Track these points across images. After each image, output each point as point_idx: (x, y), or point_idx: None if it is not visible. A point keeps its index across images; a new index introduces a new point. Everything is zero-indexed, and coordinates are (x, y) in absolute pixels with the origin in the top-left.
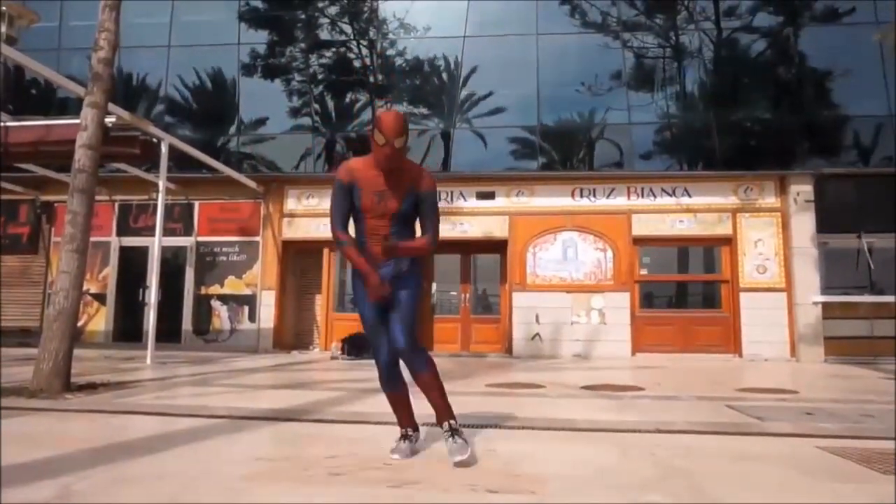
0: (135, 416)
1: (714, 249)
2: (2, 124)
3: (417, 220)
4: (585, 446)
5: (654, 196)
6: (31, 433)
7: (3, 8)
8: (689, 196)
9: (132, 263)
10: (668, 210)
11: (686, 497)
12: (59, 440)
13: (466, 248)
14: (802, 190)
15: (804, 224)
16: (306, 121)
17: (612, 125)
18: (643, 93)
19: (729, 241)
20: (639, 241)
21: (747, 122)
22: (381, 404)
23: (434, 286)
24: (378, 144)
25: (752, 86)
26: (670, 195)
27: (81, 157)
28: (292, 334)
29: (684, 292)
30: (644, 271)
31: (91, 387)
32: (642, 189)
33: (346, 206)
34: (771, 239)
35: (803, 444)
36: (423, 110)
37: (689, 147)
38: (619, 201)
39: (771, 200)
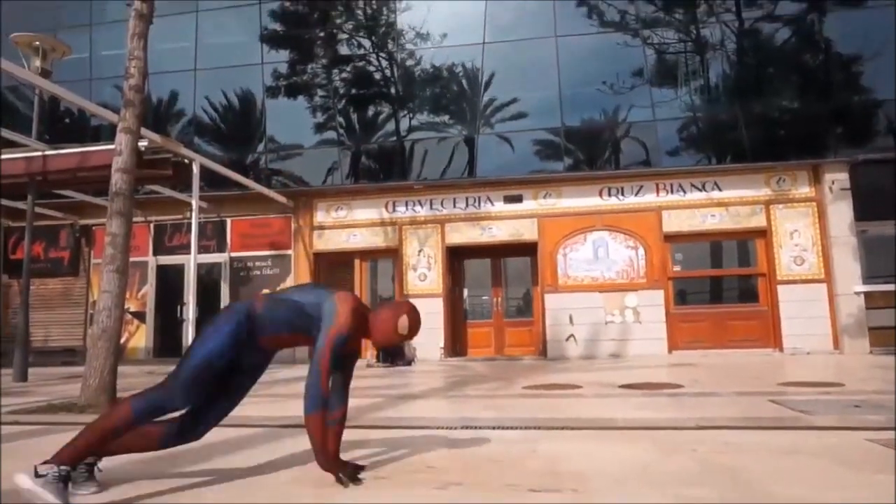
0: None
1: (748, 243)
2: (41, 153)
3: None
4: (625, 445)
5: (684, 191)
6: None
7: (38, 42)
8: (720, 190)
9: (169, 281)
10: (699, 205)
11: (730, 493)
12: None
13: (496, 251)
14: (837, 178)
15: (841, 212)
16: (331, 135)
17: (636, 123)
18: (667, 88)
19: (763, 233)
20: (670, 237)
21: (776, 111)
22: (418, 409)
23: (465, 291)
24: (396, 333)
25: (778, 75)
26: (700, 190)
27: (118, 180)
28: None
29: (719, 287)
30: (677, 268)
31: None
32: (671, 185)
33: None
34: (807, 229)
35: (851, 437)
36: (446, 118)
37: (717, 140)
38: (649, 198)
39: (805, 190)
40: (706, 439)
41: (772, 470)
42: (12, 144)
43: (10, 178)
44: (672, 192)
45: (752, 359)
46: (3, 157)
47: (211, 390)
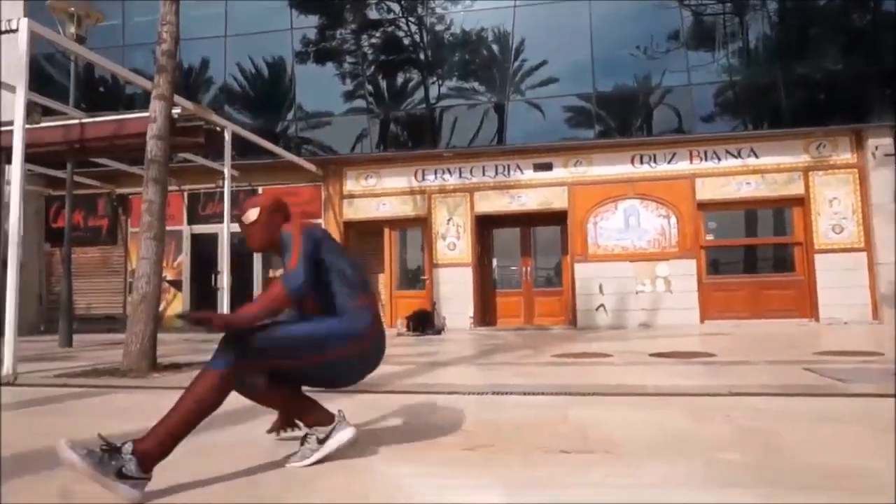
0: None
1: (784, 211)
2: (78, 121)
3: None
4: (657, 411)
5: (719, 158)
6: (125, 407)
7: (73, 9)
8: (756, 157)
9: (204, 250)
10: (734, 172)
11: (764, 458)
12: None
13: (526, 221)
14: (881, 143)
15: (884, 179)
16: (361, 103)
17: (671, 88)
18: (703, 52)
19: (801, 201)
20: (703, 205)
21: (817, 74)
22: (448, 376)
23: (495, 261)
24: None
25: (821, 36)
26: (735, 157)
27: (153, 147)
28: None
29: (753, 256)
30: (710, 237)
31: (175, 367)
32: (705, 152)
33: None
34: (847, 197)
35: (888, 403)
36: (475, 85)
37: (754, 106)
38: (682, 166)
39: (846, 156)
40: (739, 405)
41: (806, 436)
42: (50, 113)
43: (50, 146)
44: (706, 159)
45: (787, 329)
46: (42, 125)
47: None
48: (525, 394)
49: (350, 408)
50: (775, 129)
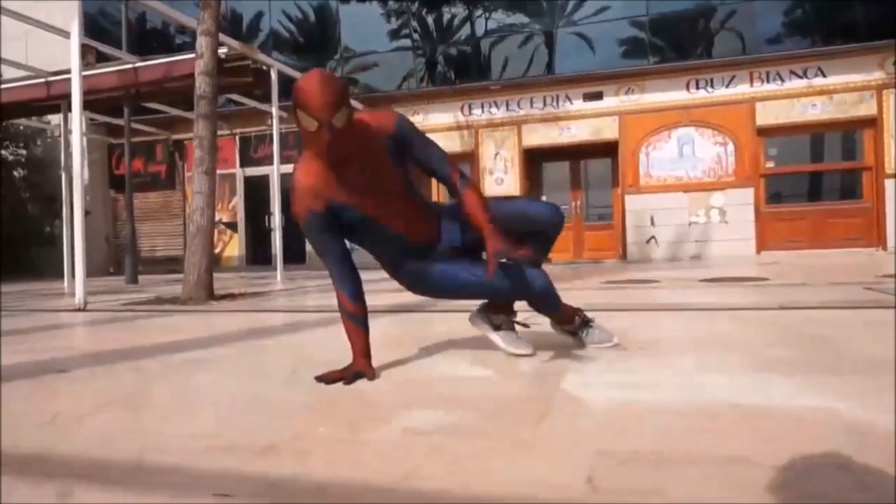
0: (270, 313)
1: (854, 134)
2: (131, 65)
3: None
4: (702, 321)
5: (782, 80)
6: (183, 325)
7: None
8: (824, 76)
9: (257, 192)
10: (799, 94)
11: (815, 353)
12: (207, 330)
13: (575, 153)
14: None
15: None
16: (405, 42)
17: (730, 4)
18: None
19: (873, 122)
20: (764, 131)
21: None
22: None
23: (543, 197)
24: (308, 132)
25: None
26: (801, 77)
27: (201, 83)
28: None
29: (818, 184)
30: (770, 164)
31: (231, 296)
32: (767, 73)
33: (340, 245)
34: None
35: None
36: (523, 17)
37: (824, 20)
38: (741, 89)
39: None
40: (790, 315)
41: (859, 337)
42: (105, 59)
43: (106, 92)
44: (768, 81)
45: (851, 258)
46: (97, 70)
47: None
48: None
49: (390, 323)
50: (846, 44)
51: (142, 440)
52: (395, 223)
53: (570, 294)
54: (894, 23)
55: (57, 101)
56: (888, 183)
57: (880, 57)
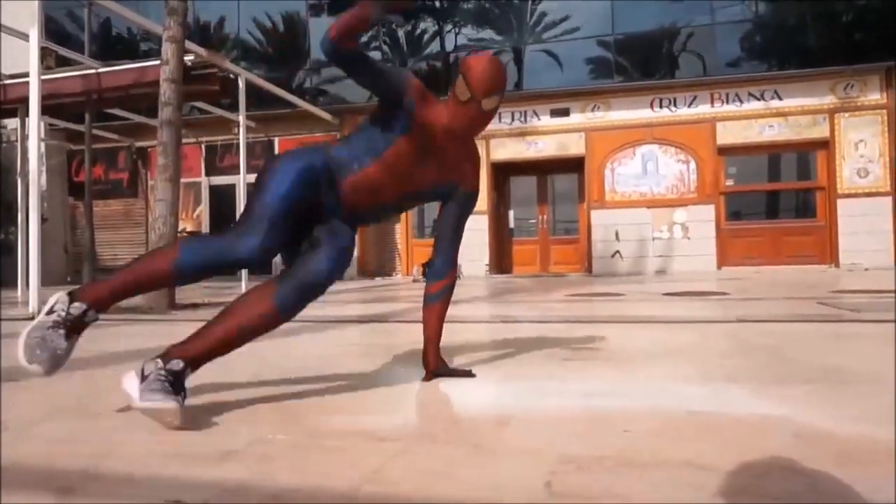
0: None
1: (808, 155)
2: (95, 71)
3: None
4: (664, 332)
5: (741, 101)
6: (142, 333)
7: None
8: (780, 98)
9: (222, 201)
10: (756, 115)
11: (770, 363)
12: (165, 338)
13: (542, 167)
14: None
15: None
16: (376, 54)
17: (692, 30)
18: None
19: (826, 144)
20: (724, 150)
21: (848, 11)
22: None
23: (511, 210)
24: (459, 101)
25: None
26: (758, 99)
27: (166, 90)
28: (375, 262)
29: (775, 202)
30: (730, 182)
31: (194, 306)
32: (727, 94)
33: (400, 85)
34: (874, 139)
35: None
36: (493, 33)
37: (779, 46)
38: (702, 109)
39: (875, 97)
40: (748, 328)
41: (812, 348)
42: (66, 63)
43: (67, 97)
44: (728, 102)
45: (806, 275)
46: (59, 74)
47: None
48: (531, 322)
49: (359, 332)
50: (801, 69)
51: (93, 448)
52: (397, 171)
53: (536, 306)
54: (843, 49)
55: (14, 105)
56: (840, 202)
57: (832, 82)
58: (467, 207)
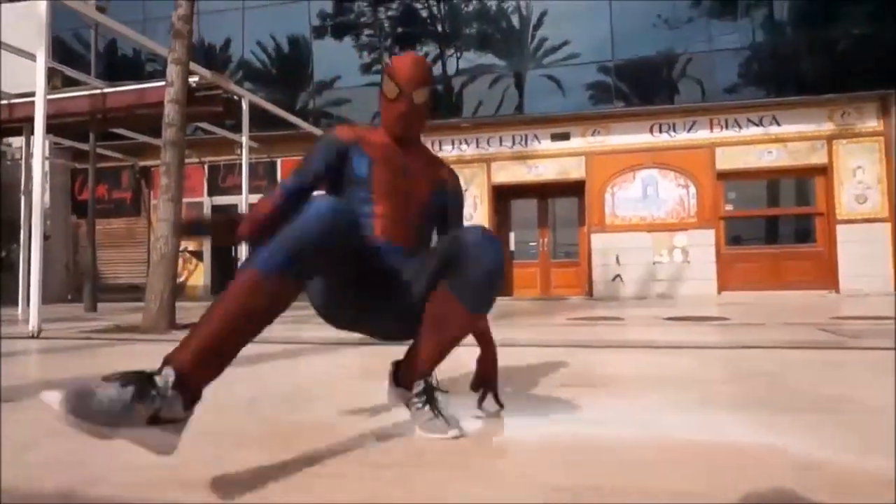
0: None
1: (807, 181)
2: (100, 91)
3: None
4: (664, 358)
5: (740, 127)
6: (141, 352)
7: None
8: (779, 125)
9: None
10: (755, 141)
11: (769, 391)
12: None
13: (543, 191)
14: None
15: None
16: (378, 78)
17: (691, 56)
18: (726, 20)
19: (824, 170)
20: (723, 175)
21: (844, 39)
22: None
23: (512, 234)
24: (388, 99)
25: None
26: (757, 125)
27: (170, 111)
28: None
29: (774, 227)
30: (730, 207)
31: (194, 326)
32: (726, 120)
33: (320, 170)
34: (872, 166)
35: None
36: (494, 58)
37: (777, 73)
38: (702, 135)
39: (872, 124)
40: (748, 355)
41: (812, 375)
42: (73, 83)
43: (72, 117)
44: (727, 127)
45: (806, 300)
46: (64, 94)
47: None
48: (531, 346)
49: (353, 355)
50: (799, 96)
51: (84, 471)
52: (390, 207)
53: (535, 329)
54: (840, 77)
55: (19, 124)
56: (839, 228)
57: (830, 109)
58: (461, 201)
